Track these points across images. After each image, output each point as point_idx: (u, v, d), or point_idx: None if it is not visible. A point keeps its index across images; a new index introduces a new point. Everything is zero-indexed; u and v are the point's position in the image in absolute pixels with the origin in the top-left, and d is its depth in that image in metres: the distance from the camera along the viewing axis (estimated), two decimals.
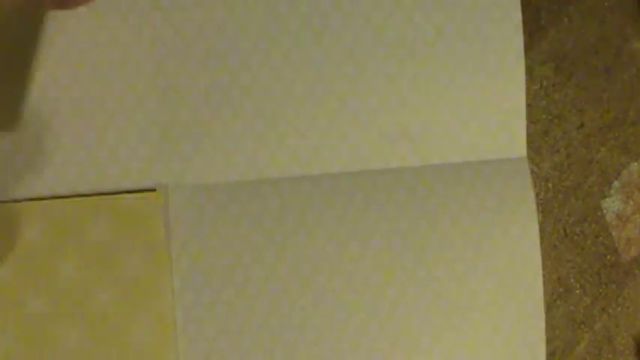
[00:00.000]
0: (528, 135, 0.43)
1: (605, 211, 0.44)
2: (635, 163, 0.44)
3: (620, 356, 0.44)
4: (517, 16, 0.42)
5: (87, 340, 0.39)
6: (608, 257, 0.44)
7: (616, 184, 0.44)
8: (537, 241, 0.42)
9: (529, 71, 0.44)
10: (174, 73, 0.41)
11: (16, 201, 0.40)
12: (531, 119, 0.44)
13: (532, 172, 0.44)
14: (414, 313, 0.41)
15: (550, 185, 0.43)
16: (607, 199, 0.44)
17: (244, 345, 0.40)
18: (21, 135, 0.40)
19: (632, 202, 0.44)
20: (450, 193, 0.42)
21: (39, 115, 0.40)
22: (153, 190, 0.41)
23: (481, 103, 0.42)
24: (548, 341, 0.43)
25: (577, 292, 0.44)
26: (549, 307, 0.43)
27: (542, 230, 0.43)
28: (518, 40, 0.42)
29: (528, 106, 0.44)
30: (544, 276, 0.43)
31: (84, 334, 0.39)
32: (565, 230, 0.44)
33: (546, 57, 0.44)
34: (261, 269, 0.41)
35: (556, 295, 0.43)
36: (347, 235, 0.41)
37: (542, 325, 0.41)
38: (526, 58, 0.43)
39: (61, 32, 0.40)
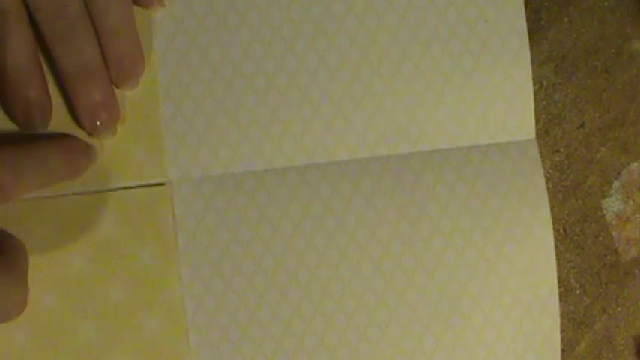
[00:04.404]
0: None
1: (605, 211, 0.44)
2: (635, 163, 0.44)
3: (620, 356, 0.44)
4: None
5: (99, 332, 0.40)
6: (608, 257, 0.44)
7: (616, 184, 0.44)
8: (549, 223, 0.42)
9: None
10: (177, 66, 0.41)
11: (25, 199, 0.40)
12: None
13: None
14: (423, 300, 0.41)
15: (550, 185, 0.44)
16: (607, 199, 0.44)
17: (254, 334, 0.41)
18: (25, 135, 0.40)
19: (632, 202, 0.44)
20: (458, 178, 0.42)
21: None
22: (161, 184, 0.41)
23: (487, 86, 0.42)
24: None
25: (577, 292, 0.44)
26: None
27: None
28: (521, 22, 0.42)
29: None
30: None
31: (97, 327, 0.40)
32: (565, 230, 0.44)
33: (546, 57, 0.44)
34: (268, 259, 0.41)
35: None
36: (354, 223, 0.41)
37: (557, 309, 0.42)
38: None
39: None
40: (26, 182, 0.37)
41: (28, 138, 0.39)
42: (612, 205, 0.44)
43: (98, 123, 0.39)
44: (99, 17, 0.38)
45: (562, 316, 0.43)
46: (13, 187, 0.36)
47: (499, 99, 0.42)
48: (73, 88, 0.39)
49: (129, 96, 0.41)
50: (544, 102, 0.44)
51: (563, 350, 0.43)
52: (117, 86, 0.40)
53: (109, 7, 0.38)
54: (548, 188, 0.43)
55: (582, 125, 0.44)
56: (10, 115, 0.39)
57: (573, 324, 0.44)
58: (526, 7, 0.42)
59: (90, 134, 0.40)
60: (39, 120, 0.39)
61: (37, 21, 0.38)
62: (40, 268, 0.40)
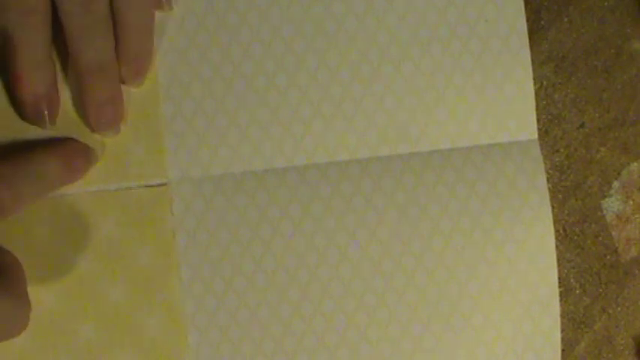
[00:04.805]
0: None
1: (605, 211, 0.44)
2: (635, 163, 0.44)
3: (620, 356, 0.44)
4: None
5: (99, 332, 0.40)
6: (608, 257, 0.44)
7: (616, 184, 0.44)
8: (550, 224, 0.42)
9: None
10: (178, 66, 0.41)
11: None
12: None
13: None
14: (423, 300, 0.41)
15: (550, 185, 0.44)
16: (607, 199, 0.44)
17: (254, 334, 0.41)
18: (26, 136, 0.40)
19: (632, 202, 0.44)
20: (459, 178, 0.42)
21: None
22: (161, 184, 0.41)
23: (488, 86, 0.42)
24: None
25: (577, 292, 0.44)
26: None
27: None
28: (521, 22, 0.42)
29: None
30: None
31: (97, 327, 0.40)
32: (565, 230, 0.44)
33: (546, 57, 0.44)
34: (268, 259, 0.41)
35: None
36: (355, 223, 0.41)
37: (557, 310, 0.42)
38: None
39: None
40: (26, 195, 0.37)
41: (25, 148, 0.39)
42: (612, 205, 0.44)
43: (104, 120, 0.39)
44: (123, 14, 0.38)
45: (562, 316, 0.43)
46: (13, 203, 0.36)
47: (500, 99, 0.42)
48: (86, 83, 0.39)
49: (129, 96, 0.41)
50: (544, 102, 0.44)
51: (563, 350, 0.43)
52: (126, 82, 0.40)
53: (133, 6, 0.38)
54: (548, 188, 0.43)
55: (582, 125, 0.44)
56: (19, 110, 0.39)
57: (573, 324, 0.44)
58: (526, 7, 0.42)
59: (94, 130, 0.40)
60: (47, 117, 0.39)
61: (61, 12, 0.37)
62: (40, 268, 0.40)
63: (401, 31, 0.42)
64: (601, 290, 0.44)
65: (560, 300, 0.42)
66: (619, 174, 0.44)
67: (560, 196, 0.44)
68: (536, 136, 0.42)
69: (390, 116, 0.42)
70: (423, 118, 0.42)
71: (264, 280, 0.41)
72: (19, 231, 0.39)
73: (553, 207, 0.43)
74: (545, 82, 0.44)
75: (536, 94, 0.43)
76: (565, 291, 0.44)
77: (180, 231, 0.41)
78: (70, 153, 0.39)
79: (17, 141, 0.40)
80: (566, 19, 0.44)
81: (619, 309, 0.44)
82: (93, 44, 0.38)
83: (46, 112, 0.39)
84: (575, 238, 0.44)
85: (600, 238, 0.44)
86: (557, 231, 0.43)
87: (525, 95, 0.42)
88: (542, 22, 0.44)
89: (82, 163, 0.40)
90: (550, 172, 0.44)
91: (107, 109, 0.39)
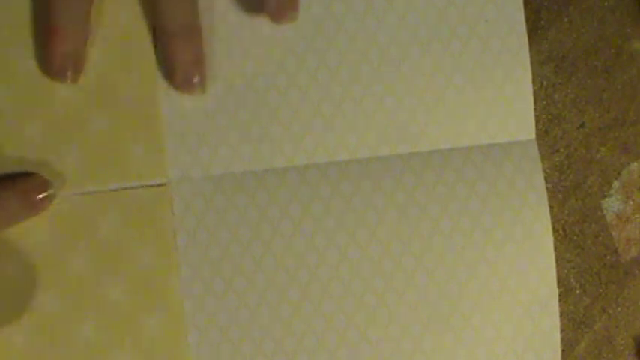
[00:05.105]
0: None
1: (605, 211, 0.44)
2: (635, 163, 0.44)
3: (620, 356, 0.44)
4: None
5: (99, 333, 0.40)
6: (608, 257, 0.44)
7: (616, 184, 0.44)
8: (549, 224, 0.42)
9: None
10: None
11: None
12: None
13: None
14: (423, 300, 0.41)
15: (549, 185, 0.44)
16: (607, 199, 0.44)
17: (254, 334, 0.41)
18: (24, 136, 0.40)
19: (632, 202, 0.44)
20: (459, 178, 0.42)
21: (43, 116, 0.40)
22: (161, 184, 0.41)
23: (487, 86, 0.42)
24: None
25: (577, 292, 0.44)
26: None
27: None
28: (521, 22, 0.42)
29: None
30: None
31: (97, 327, 0.40)
32: (565, 230, 0.44)
33: (546, 57, 0.44)
34: (268, 259, 0.41)
35: None
36: (355, 224, 0.41)
37: (557, 310, 0.42)
38: None
39: None
40: None
41: None
42: (612, 205, 0.44)
43: (190, 81, 0.40)
44: None
45: (562, 316, 0.43)
46: None
47: (499, 99, 0.42)
48: (172, 45, 0.40)
49: (129, 96, 0.41)
50: (544, 102, 0.44)
51: (563, 350, 0.43)
52: (278, 21, 0.40)
53: None
54: (547, 188, 0.43)
55: (582, 125, 0.44)
56: (45, 64, 0.39)
57: (573, 324, 0.44)
58: (526, 7, 0.42)
59: (181, 91, 0.40)
60: (70, 75, 0.39)
61: None
62: (40, 268, 0.40)
63: (401, 31, 0.42)
64: (601, 290, 0.44)
65: (560, 300, 0.42)
66: (619, 174, 0.44)
67: (560, 196, 0.44)
68: (534, 136, 0.42)
69: (390, 116, 0.42)
70: (423, 118, 0.42)
71: (264, 280, 0.41)
72: (18, 231, 0.39)
73: (553, 207, 0.43)
74: (545, 82, 0.44)
75: (536, 94, 0.43)
76: (565, 291, 0.44)
77: (180, 231, 0.41)
78: (30, 188, 0.39)
79: None
80: (566, 19, 0.44)
81: (619, 309, 0.44)
82: (179, 6, 0.39)
83: (69, 72, 0.39)
84: (575, 238, 0.44)
85: (600, 238, 0.44)
86: (557, 231, 0.43)
87: (524, 96, 0.42)
88: (542, 22, 0.44)
89: (41, 198, 0.39)
90: (550, 172, 0.44)
91: (193, 70, 0.40)
